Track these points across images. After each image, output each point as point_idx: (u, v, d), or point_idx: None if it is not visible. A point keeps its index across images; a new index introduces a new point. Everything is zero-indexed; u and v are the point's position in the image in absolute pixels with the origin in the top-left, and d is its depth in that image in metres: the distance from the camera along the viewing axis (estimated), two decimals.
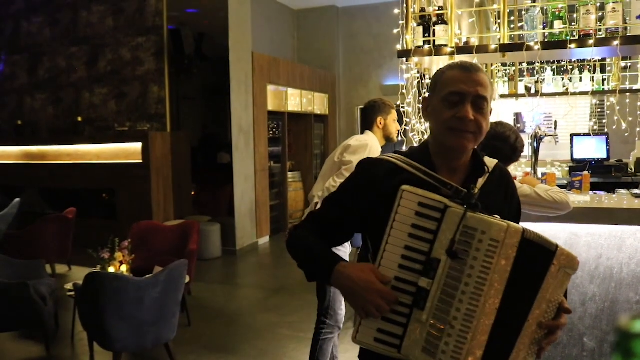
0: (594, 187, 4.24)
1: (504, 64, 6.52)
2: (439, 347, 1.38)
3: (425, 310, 1.40)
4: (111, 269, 4.28)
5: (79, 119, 8.52)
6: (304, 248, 1.62)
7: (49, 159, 8.69)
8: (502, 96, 6.26)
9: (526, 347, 1.41)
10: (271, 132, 9.25)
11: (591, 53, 4.00)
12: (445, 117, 1.51)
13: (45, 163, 8.69)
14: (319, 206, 3.43)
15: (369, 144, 3.49)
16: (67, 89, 8.87)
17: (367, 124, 3.60)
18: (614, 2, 3.21)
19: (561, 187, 4.10)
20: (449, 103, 1.51)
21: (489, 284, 1.35)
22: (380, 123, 3.52)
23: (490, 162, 1.66)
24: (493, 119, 3.14)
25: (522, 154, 3.03)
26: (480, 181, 1.58)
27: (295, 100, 9.78)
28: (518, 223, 1.70)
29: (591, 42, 3.26)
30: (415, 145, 3.77)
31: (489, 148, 2.61)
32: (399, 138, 3.69)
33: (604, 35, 3.30)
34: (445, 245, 1.39)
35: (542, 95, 6.50)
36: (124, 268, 4.38)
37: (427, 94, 1.59)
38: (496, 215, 1.43)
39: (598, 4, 3.38)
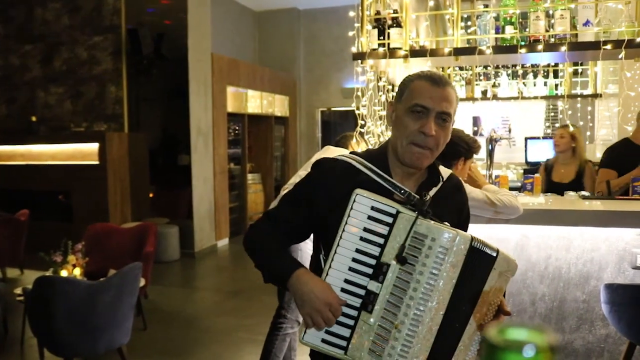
0: None
1: (460, 68, 6.63)
2: (385, 349, 1.40)
3: (373, 314, 1.42)
4: (64, 273, 4.18)
5: (34, 118, 8.29)
6: (262, 249, 1.61)
7: (1, 159, 8.43)
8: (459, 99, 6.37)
9: (467, 348, 1.45)
10: (231, 134, 9.18)
11: (540, 58, 4.11)
12: (408, 129, 1.51)
13: None
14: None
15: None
16: (21, 87, 8.63)
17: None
18: (562, 9, 3.30)
19: (514, 189, 4.18)
20: (413, 114, 1.51)
21: (436, 290, 1.37)
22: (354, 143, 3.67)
23: (445, 171, 1.68)
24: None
25: (478, 156, 3.05)
26: (434, 189, 1.59)
27: (256, 102, 9.74)
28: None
29: (540, 47, 3.34)
30: (371, 147, 3.82)
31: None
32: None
33: (553, 41, 3.39)
34: (396, 250, 1.41)
35: (498, 98, 6.63)
36: (77, 271, 4.29)
37: (392, 100, 1.58)
38: (446, 223, 1.45)
39: (548, 11, 3.47)
